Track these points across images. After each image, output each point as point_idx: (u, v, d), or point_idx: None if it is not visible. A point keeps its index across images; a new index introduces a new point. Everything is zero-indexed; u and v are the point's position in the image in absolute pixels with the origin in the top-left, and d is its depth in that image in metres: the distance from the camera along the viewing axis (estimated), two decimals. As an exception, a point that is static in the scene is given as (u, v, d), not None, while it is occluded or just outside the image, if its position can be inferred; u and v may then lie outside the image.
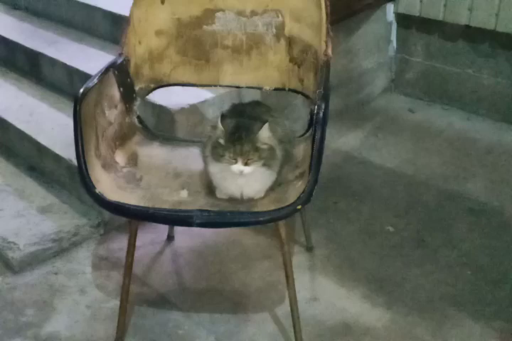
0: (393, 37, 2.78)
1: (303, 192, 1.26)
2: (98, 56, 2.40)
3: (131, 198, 1.39)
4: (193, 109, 2.00)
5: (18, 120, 2.25)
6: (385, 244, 1.89)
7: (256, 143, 1.33)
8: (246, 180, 1.37)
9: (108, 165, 1.46)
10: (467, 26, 2.47)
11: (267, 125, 1.33)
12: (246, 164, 1.33)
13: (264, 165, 1.36)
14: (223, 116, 1.39)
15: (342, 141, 2.45)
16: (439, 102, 2.74)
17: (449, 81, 2.68)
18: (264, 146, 1.34)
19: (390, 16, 2.71)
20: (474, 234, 1.92)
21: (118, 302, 1.54)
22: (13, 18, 2.98)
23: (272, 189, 1.44)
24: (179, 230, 1.92)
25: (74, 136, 1.32)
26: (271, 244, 1.88)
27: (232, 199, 1.43)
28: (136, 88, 1.61)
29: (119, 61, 1.54)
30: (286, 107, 2.27)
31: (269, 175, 1.40)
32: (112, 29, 2.52)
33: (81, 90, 1.35)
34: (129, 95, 1.58)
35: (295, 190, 1.39)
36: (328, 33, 1.49)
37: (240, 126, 1.35)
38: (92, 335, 1.58)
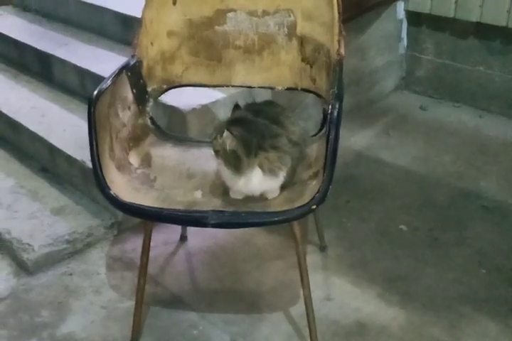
0: (404, 35, 2.77)
1: (318, 192, 1.26)
2: (108, 57, 2.41)
3: (145, 199, 1.40)
4: (205, 110, 2.00)
5: (30, 121, 2.26)
6: (398, 242, 1.88)
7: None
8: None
9: (122, 167, 1.46)
10: (478, 23, 2.46)
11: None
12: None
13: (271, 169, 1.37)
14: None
15: (353, 139, 2.45)
16: (451, 100, 2.73)
17: (460, 78, 2.67)
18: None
19: (401, 14, 2.70)
20: (488, 232, 1.91)
21: (133, 303, 1.55)
22: (24, 20, 3.00)
23: (285, 188, 1.44)
24: (192, 230, 1.93)
25: (89, 138, 1.33)
26: (284, 243, 1.88)
27: (246, 200, 1.43)
28: (149, 89, 1.61)
29: (131, 63, 1.54)
30: (296, 106, 2.27)
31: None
32: (121, 30, 2.53)
33: (95, 92, 1.36)
34: (141, 96, 1.59)
35: (309, 189, 1.39)
36: (340, 32, 1.48)
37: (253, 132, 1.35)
38: (107, 336, 1.58)
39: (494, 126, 2.53)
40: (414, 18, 2.70)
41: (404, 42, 2.79)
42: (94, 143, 1.32)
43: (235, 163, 1.32)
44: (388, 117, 2.65)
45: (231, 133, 1.30)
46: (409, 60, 2.82)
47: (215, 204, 1.42)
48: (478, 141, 2.44)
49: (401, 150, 2.39)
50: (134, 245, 1.90)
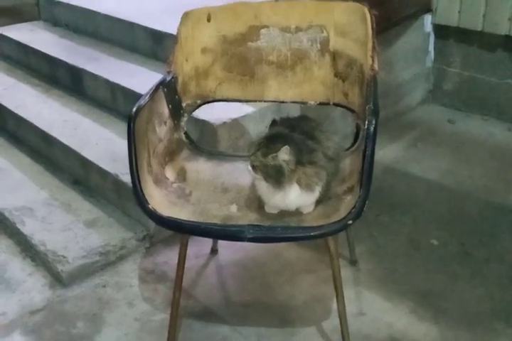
0: (431, 48, 2.77)
1: (354, 207, 1.27)
2: (139, 72, 2.46)
3: (182, 213, 1.41)
4: (235, 124, 2.03)
5: (62, 135, 2.30)
6: (429, 257, 1.87)
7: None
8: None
9: (159, 181, 1.49)
10: (507, 36, 2.45)
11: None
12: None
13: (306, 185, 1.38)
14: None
15: (382, 152, 2.44)
16: (479, 113, 2.72)
17: (488, 91, 2.66)
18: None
19: (428, 27, 2.71)
20: (521, 247, 1.90)
21: (166, 315, 1.56)
22: (54, 35, 3.06)
23: (320, 203, 1.45)
24: (223, 243, 1.94)
25: (128, 153, 1.35)
26: (313, 257, 1.88)
27: (281, 214, 1.44)
28: (184, 104, 1.64)
29: (167, 79, 1.57)
30: (324, 120, 2.28)
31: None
32: (151, 45, 2.57)
33: (134, 108, 1.38)
34: (177, 112, 1.61)
35: (344, 204, 1.40)
36: (374, 47, 1.50)
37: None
38: (141, 348, 1.60)
39: (523, 139, 2.52)
40: (442, 32, 2.71)
41: (432, 55, 2.79)
42: (133, 158, 1.34)
43: (277, 177, 1.34)
44: (416, 130, 2.64)
45: (289, 148, 1.33)
46: (436, 73, 2.82)
47: (250, 218, 1.44)
48: (507, 155, 2.42)
49: (430, 163, 2.39)
50: (165, 258, 1.92)
